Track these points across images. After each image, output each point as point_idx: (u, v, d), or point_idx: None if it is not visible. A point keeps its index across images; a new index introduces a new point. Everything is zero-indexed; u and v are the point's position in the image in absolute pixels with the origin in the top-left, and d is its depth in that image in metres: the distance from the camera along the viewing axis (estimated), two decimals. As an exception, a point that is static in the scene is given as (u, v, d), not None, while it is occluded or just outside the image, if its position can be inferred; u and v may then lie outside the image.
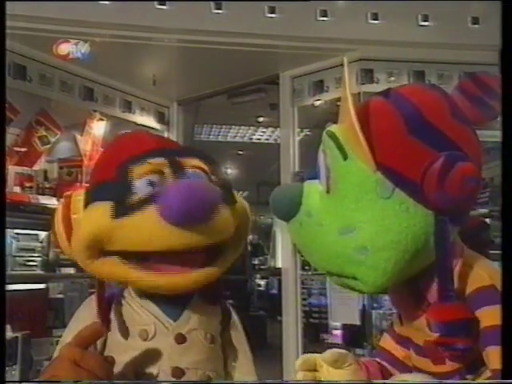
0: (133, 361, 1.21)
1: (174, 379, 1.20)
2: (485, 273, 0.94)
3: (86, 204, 1.21)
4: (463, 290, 0.93)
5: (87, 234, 1.17)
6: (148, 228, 1.14)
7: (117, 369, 1.20)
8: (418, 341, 0.99)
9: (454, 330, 0.87)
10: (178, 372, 1.21)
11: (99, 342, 1.26)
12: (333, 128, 0.98)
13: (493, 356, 0.85)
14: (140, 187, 1.18)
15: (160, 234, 1.14)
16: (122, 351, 1.23)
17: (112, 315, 1.28)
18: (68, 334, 1.28)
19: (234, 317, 1.42)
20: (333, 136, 0.96)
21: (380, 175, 0.90)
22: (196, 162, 1.26)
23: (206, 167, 1.26)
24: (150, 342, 1.23)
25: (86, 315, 1.30)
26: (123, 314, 1.27)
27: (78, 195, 1.25)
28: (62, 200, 1.27)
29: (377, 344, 1.22)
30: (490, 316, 0.87)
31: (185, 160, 1.24)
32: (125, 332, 1.25)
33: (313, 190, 1.02)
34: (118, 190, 1.18)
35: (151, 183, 1.18)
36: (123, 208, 1.15)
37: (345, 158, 0.93)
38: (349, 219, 0.93)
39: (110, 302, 1.30)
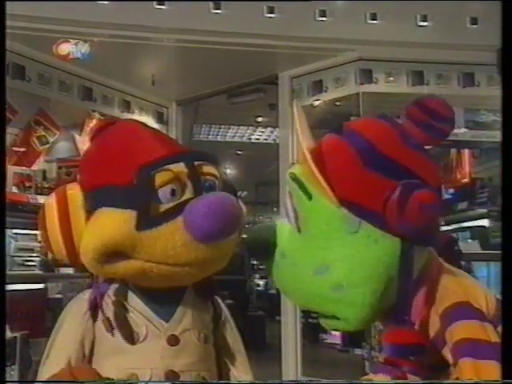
0: (123, 364, 1.19)
1: (167, 383, 1.19)
2: (460, 289, 0.96)
3: (91, 207, 1.17)
4: (440, 306, 0.94)
5: (107, 242, 1.12)
6: (174, 243, 1.12)
7: (106, 372, 1.18)
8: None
9: (402, 353, 0.90)
10: (171, 375, 1.19)
11: (87, 346, 1.25)
12: (295, 169, 1.01)
13: (465, 368, 0.86)
14: (163, 196, 1.15)
15: (187, 249, 1.13)
16: (112, 354, 1.22)
17: (100, 317, 1.25)
18: (58, 334, 1.28)
19: (226, 313, 1.41)
20: (295, 178, 0.99)
21: (344, 211, 0.93)
22: (210, 168, 1.25)
23: (218, 174, 1.25)
24: (141, 344, 1.21)
25: (71, 321, 1.28)
26: (112, 316, 1.24)
27: (75, 194, 1.19)
28: (54, 198, 1.20)
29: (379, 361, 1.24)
30: (462, 330, 0.89)
31: (201, 166, 1.23)
32: (112, 333, 1.22)
33: (285, 230, 1.05)
34: (139, 198, 1.13)
35: (173, 192, 1.16)
36: (148, 219, 1.12)
37: (309, 197, 0.96)
38: (321, 258, 0.95)
39: (97, 303, 1.27)
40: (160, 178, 1.15)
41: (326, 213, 0.95)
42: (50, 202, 1.20)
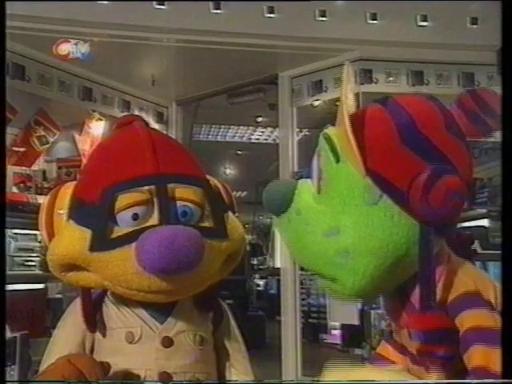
0: (119, 364, 1.19)
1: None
2: (469, 279, 0.95)
3: (68, 216, 1.16)
4: (448, 296, 0.93)
5: (62, 256, 1.13)
6: (125, 269, 1.10)
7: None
8: (412, 349, 0.99)
9: (433, 339, 0.88)
10: (164, 376, 1.19)
11: (87, 346, 1.26)
12: (329, 130, 0.99)
13: (475, 354, 0.85)
14: (123, 219, 1.12)
15: (138, 278, 1.10)
16: (109, 354, 1.22)
17: (98, 318, 1.26)
18: (56, 341, 1.29)
19: (228, 314, 1.40)
20: (328, 138, 0.98)
21: (369, 181, 0.92)
22: (187, 191, 1.17)
23: (198, 198, 1.18)
24: (136, 344, 1.21)
25: (72, 320, 1.29)
26: (109, 317, 1.25)
27: (67, 190, 1.20)
28: (50, 193, 1.22)
29: (375, 352, 1.23)
30: (471, 318, 0.88)
31: (175, 188, 1.15)
32: (106, 333, 1.24)
33: (305, 188, 1.04)
34: (99, 218, 1.12)
35: (136, 217, 1.12)
36: (102, 241, 1.10)
37: (337, 160, 0.95)
38: (334, 221, 0.95)
39: (95, 304, 1.27)
40: (123, 200, 1.11)
41: (349, 179, 0.94)
42: (46, 197, 1.22)
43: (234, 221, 1.27)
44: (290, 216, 1.04)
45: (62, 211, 1.18)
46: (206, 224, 1.19)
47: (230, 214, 1.28)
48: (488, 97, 0.96)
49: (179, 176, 1.19)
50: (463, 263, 1.01)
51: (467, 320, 0.89)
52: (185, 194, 1.17)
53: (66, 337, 1.28)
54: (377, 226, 0.92)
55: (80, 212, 1.15)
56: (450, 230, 0.99)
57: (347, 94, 0.96)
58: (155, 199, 1.13)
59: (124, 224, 1.12)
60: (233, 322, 1.41)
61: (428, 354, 0.89)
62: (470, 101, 0.97)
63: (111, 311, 1.26)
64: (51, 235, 1.18)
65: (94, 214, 1.12)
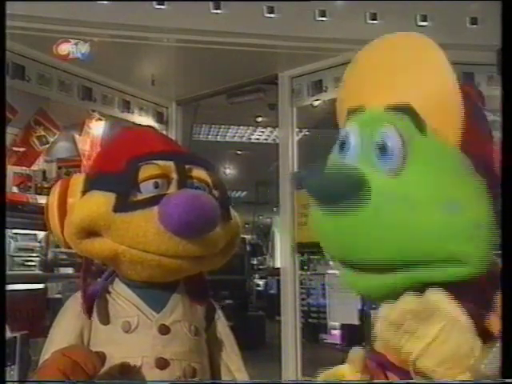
0: (115, 353, 1.22)
1: (158, 370, 1.21)
2: None
3: (85, 190, 1.25)
4: None
5: (86, 218, 1.20)
6: (146, 230, 1.17)
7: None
8: None
9: None
10: (161, 362, 1.22)
11: (85, 338, 1.29)
12: (404, 104, 0.91)
13: None
14: (146, 187, 1.21)
15: (157, 239, 1.17)
16: (106, 344, 1.24)
17: (96, 309, 1.30)
18: (54, 335, 1.32)
19: (219, 313, 1.44)
20: (410, 109, 0.90)
21: (462, 154, 0.88)
22: (201, 173, 1.29)
23: (209, 180, 1.30)
24: (132, 333, 1.24)
25: (70, 314, 1.32)
26: (107, 308, 1.29)
27: (77, 179, 1.28)
28: (59, 183, 1.30)
29: (371, 348, 1.22)
30: None
31: (191, 168, 1.28)
32: (107, 323, 1.27)
33: (374, 177, 0.90)
34: (123, 184, 1.21)
35: (157, 185, 1.22)
36: (126, 203, 1.19)
37: (423, 132, 0.88)
38: (450, 194, 0.87)
39: (94, 296, 1.32)
40: (146, 171, 1.22)
41: (442, 151, 0.88)
42: (55, 186, 1.31)
43: (232, 210, 1.36)
44: (379, 206, 0.88)
45: (72, 199, 1.26)
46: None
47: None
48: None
49: (195, 158, 1.34)
50: None
51: None
52: (199, 174, 1.29)
53: (65, 330, 1.31)
54: (480, 196, 0.87)
55: (104, 180, 1.24)
56: None
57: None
58: (174, 174, 1.24)
59: (146, 191, 1.21)
60: (224, 321, 1.44)
61: None
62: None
63: (108, 303, 1.29)
64: (63, 212, 1.26)
65: (118, 180, 1.22)
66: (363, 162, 0.92)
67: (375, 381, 0.92)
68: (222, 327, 1.43)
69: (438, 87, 0.89)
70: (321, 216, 0.93)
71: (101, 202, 1.20)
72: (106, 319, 1.28)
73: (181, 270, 1.25)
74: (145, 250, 1.19)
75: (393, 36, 1.05)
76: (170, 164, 1.24)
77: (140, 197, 1.20)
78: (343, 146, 0.98)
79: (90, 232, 1.21)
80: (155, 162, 1.23)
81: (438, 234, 0.86)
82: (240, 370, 1.39)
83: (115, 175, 1.22)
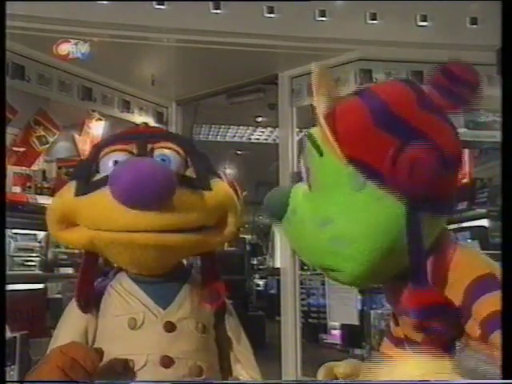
0: (120, 350, 1.21)
1: (162, 368, 1.19)
2: (482, 263, 0.96)
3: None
4: (462, 281, 0.93)
5: (55, 209, 1.24)
6: (104, 208, 1.16)
7: (105, 358, 1.20)
8: (415, 337, 0.99)
9: (428, 314, 0.89)
10: (166, 361, 1.20)
11: (90, 336, 1.28)
12: (312, 130, 1.04)
13: (498, 340, 0.84)
14: (105, 166, 1.23)
15: (115, 215, 1.15)
16: (112, 341, 1.24)
17: (102, 306, 1.29)
18: (59, 335, 1.31)
19: (230, 309, 1.41)
20: (310, 136, 1.03)
21: (351, 169, 0.95)
22: (169, 144, 1.26)
23: (179, 149, 1.26)
24: (138, 330, 1.22)
25: (74, 313, 1.31)
26: (112, 305, 1.28)
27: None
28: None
29: (378, 350, 1.24)
30: (490, 303, 0.88)
31: (156, 142, 1.26)
32: (109, 321, 1.27)
33: (298, 190, 1.09)
34: (84, 169, 1.26)
35: (116, 162, 1.21)
36: (85, 187, 1.21)
37: (320, 154, 1.00)
38: (326, 212, 0.99)
39: (99, 293, 1.31)
40: (105, 150, 1.24)
41: (333, 169, 0.98)
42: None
43: (223, 184, 1.32)
44: (289, 218, 1.08)
45: None
46: (187, 174, 1.25)
47: (222, 181, 1.33)
48: (456, 69, 0.97)
49: (160, 133, 1.37)
50: (471, 249, 1.04)
51: (485, 306, 0.88)
52: (164, 144, 1.26)
53: (68, 330, 1.31)
54: (365, 210, 0.95)
55: (74, 170, 1.35)
56: (443, 207, 0.99)
57: (318, 97, 1.00)
58: (135, 150, 1.23)
59: (105, 171, 1.21)
60: (235, 317, 1.42)
61: (425, 329, 0.90)
62: (438, 75, 0.98)
63: (114, 300, 1.28)
64: None
65: (81, 167, 1.29)
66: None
67: (374, 381, 0.92)
68: (233, 323, 1.40)
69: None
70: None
71: (64, 190, 1.25)
72: (106, 318, 1.27)
73: (163, 247, 1.19)
74: (110, 229, 1.17)
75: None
76: (132, 141, 1.25)
77: (98, 177, 1.22)
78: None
79: (67, 222, 1.23)
80: (116, 141, 1.27)
81: (313, 245, 1.01)
82: (252, 367, 1.37)
83: (79, 163, 1.33)
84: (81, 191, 1.21)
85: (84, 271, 1.32)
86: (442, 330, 0.89)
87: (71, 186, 1.24)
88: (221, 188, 1.29)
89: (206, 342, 1.29)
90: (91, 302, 1.30)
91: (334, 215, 0.97)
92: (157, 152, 1.24)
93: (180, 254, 1.30)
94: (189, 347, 1.24)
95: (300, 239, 1.06)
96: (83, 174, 1.24)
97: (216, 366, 1.32)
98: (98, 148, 1.28)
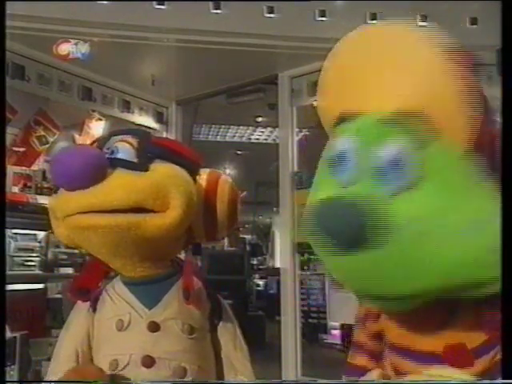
0: (108, 351, 1.23)
1: (144, 368, 1.19)
2: None
3: None
4: None
5: (49, 208, 1.30)
6: (58, 197, 1.23)
7: (97, 361, 1.24)
8: (425, 347, 0.92)
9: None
10: (148, 361, 1.19)
11: (92, 337, 1.31)
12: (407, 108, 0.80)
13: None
14: None
15: (61, 198, 1.21)
16: (102, 343, 1.26)
17: (98, 310, 1.32)
18: (67, 329, 1.34)
19: (228, 313, 1.40)
20: (415, 115, 0.78)
21: (472, 160, 0.78)
22: (126, 137, 1.27)
23: (134, 142, 1.25)
24: (124, 331, 1.24)
25: (77, 316, 1.34)
26: (104, 309, 1.30)
27: None
28: None
29: (348, 362, 1.14)
30: None
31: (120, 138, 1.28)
32: (101, 325, 1.29)
33: (375, 197, 0.77)
34: None
35: None
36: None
37: (434, 141, 0.77)
38: (469, 213, 0.76)
39: (95, 300, 1.33)
40: None
41: (457, 158, 0.76)
42: None
43: (164, 166, 1.26)
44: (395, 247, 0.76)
45: None
46: (128, 158, 1.23)
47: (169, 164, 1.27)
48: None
49: (119, 131, 1.35)
50: None
51: None
52: (121, 138, 1.27)
53: (74, 330, 1.33)
54: (495, 214, 0.76)
55: None
56: None
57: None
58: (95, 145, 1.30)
59: None
60: (233, 321, 1.41)
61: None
62: None
63: (106, 303, 1.31)
64: None
65: None
66: (364, 186, 0.79)
67: (372, 381, 0.92)
68: (230, 328, 1.39)
69: (439, 84, 0.78)
70: (332, 255, 0.81)
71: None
72: (100, 322, 1.30)
73: (96, 229, 1.17)
74: (67, 215, 1.20)
75: (372, 28, 0.93)
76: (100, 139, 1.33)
77: None
78: (336, 163, 0.85)
79: (59, 219, 1.26)
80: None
81: (459, 260, 0.75)
82: (248, 375, 1.35)
83: None
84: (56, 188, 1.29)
85: (86, 272, 1.36)
86: None
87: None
88: (158, 169, 1.23)
89: (195, 343, 1.28)
90: (91, 298, 1.33)
91: (483, 215, 0.76)
92: (111, 145, 1.27)
93: (128, 238, 1.19)
94: (173, 348, 1.23)
95: (414, 259, 0.77)
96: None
97: (207, 369, 1.31)
98: None
